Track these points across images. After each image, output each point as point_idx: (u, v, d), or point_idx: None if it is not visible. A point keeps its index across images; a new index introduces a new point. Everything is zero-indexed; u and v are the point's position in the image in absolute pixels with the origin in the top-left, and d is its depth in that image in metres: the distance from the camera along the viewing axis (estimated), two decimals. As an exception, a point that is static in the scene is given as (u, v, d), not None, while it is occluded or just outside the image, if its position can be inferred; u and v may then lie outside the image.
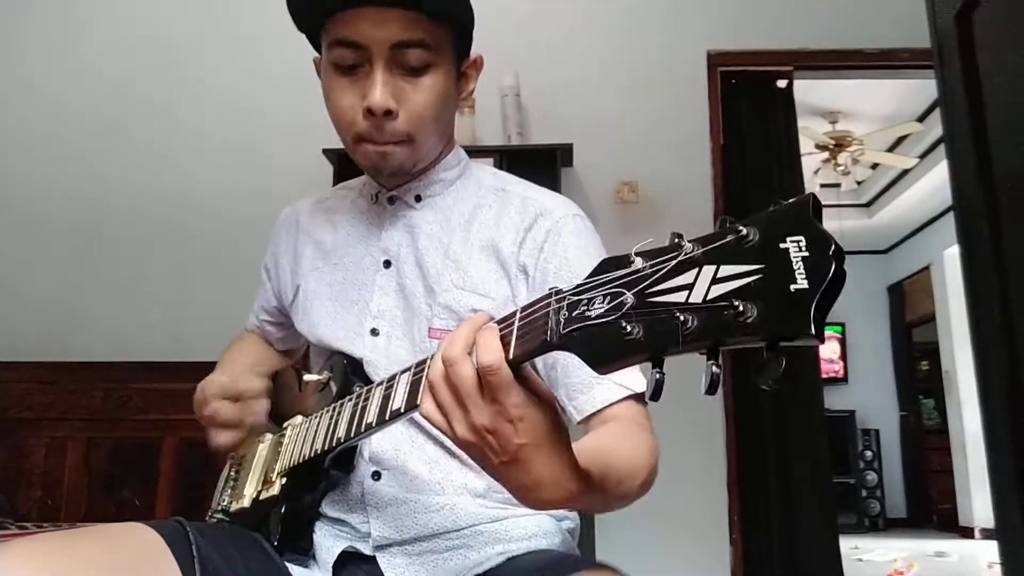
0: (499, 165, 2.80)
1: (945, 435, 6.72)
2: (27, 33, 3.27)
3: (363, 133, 0.95)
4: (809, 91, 4.62)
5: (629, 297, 0.53)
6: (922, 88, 4.68)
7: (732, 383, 2.94)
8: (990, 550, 3.66)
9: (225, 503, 1.03)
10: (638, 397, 0.91)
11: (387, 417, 0.76)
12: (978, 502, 6.18)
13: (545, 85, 3.10)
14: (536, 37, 3.19)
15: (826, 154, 5.57)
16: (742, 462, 2.96)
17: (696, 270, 0.50)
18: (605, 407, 0.90)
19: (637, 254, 0.55)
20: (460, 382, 0.63)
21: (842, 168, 5.62)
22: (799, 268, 0.45)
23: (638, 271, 0.54)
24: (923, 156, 5.73)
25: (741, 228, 0.48)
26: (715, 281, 0.49)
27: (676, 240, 0.53)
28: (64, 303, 3.04)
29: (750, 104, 3.24)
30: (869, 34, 3.14)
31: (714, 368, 0.49)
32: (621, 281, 0.54)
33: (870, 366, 7.81)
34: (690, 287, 0.50)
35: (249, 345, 1.25)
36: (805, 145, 4.46)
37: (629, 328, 0.52)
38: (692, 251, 0.51)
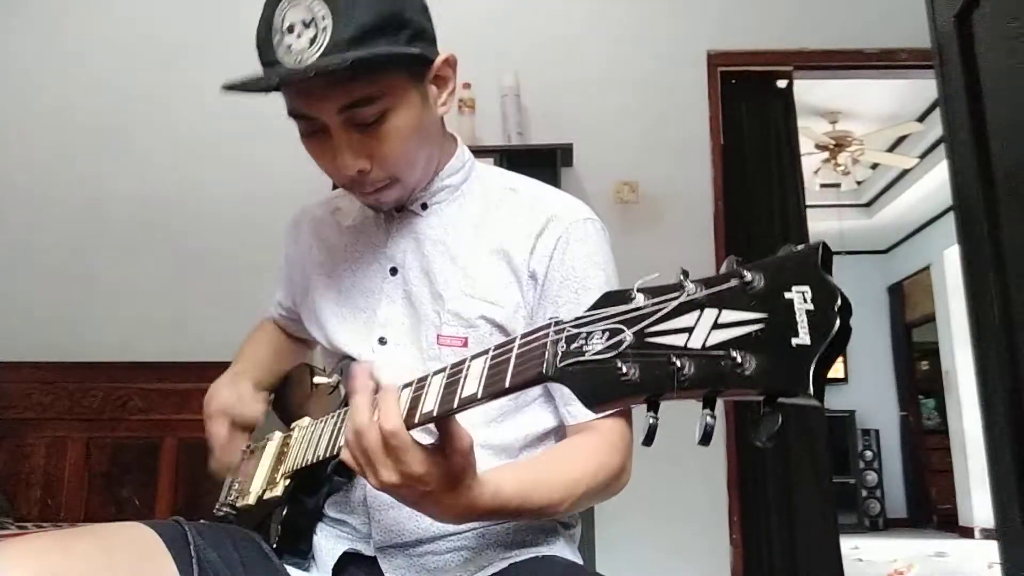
0: (499, 165, 2.80)
1: (945, 435, 6.72)
2: (23, 35, 3.26)
3: (348, 185, 0.96)
4: (809, 91, 4.62)
5: (628, 335, 0.52)
6: (922, 88, 4.68)
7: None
8: (990, 550, 3.66)
9: (232, 498, 1.04)
10: (628, 412, 0.94)
11: None
12: (978, 502, 6.18)
13: (545, 85, 3.10)
14: (536, 37, 3.19)
15: (826, 154, 5.57)
16: (742, 462, 2.96)
17: (698, 313, 0.49)
18: (596, 419, 0.92)
19: (639, 290, 0.54)
20: (368, 446, 0.71)
21: (842, 168, 5.62)
22: (802, 321, 0.44)
23: (639, 308, 0.53)
24: (923, 156, 5.73)
25: (746, 273, 0.47)
26: (716, 327, 0.48)
27: (680, 279, 0.52)
28: (64, 303, 3.04)
29: (750, 104, 3.24)
30: (869, 34, 3.14)
31: (708, 418, 0.48)
32: (621, 318, 0.53)
33: (870, 366, 7.81)
34: (690, 331, 0.49)
35: (267, 336, 1.26)
36: (805, 145, 4.46)
37: (625, 369, 0.51)
38: (695, 292, 0.50)
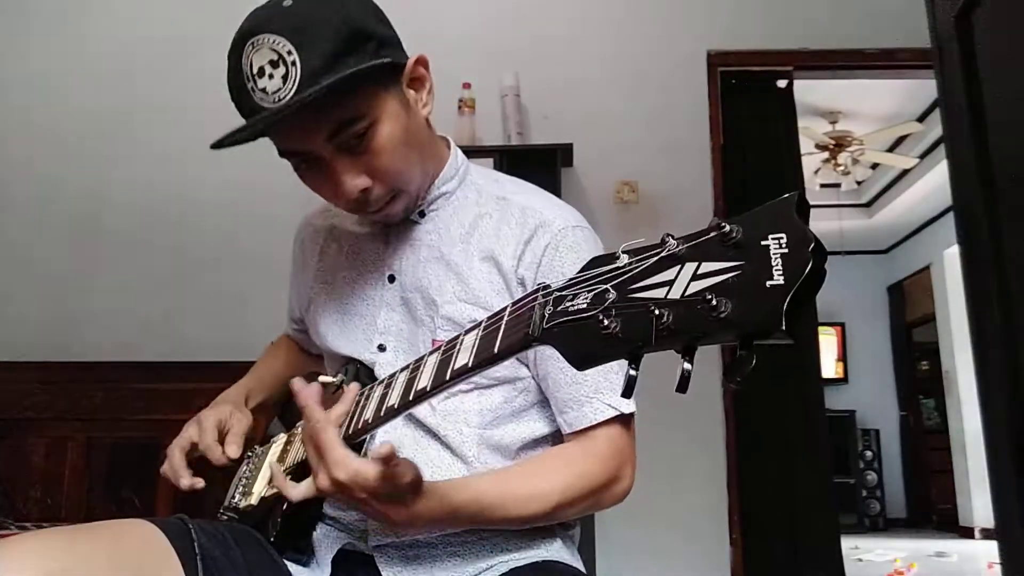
0: (499, 165, 2.80)
1: (945, 435, 6.72)
2: (30, 27, 3.26)
3: (354, 208, 0.96)
4: (809, 91, 4.62)
5: (611, 292, 0.53)
6: (922, 88, 4.68)
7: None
8: (990, 550, 3.66)
9: (236, 501, 1.04)
10: (625, 418, 0.94)
11: (382, 414, 0.78)
12: (978, 502, 6.18)
13: (545, 85, 3.09)
14: (536, 37, 3.19)
15: (826, 154, 5.57)
16: (742, 462, 2.95)
17: (678, 267, 0.50)
18: (591, 427, 0.93)
19: (624, 251, 0.55)
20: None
21: (842, 168, 5.62)
22: (777, 264, 0.45)
23: (622, 267, 0.54)
24: (923, 156, 5.73)
25: (725, 226, 0.49)
26: (695, 278, 0.49)
27: (663, 238, 0.53)
28: (64, 303, 3.04)
29: (750, 104, 3.24)
30: (869, 34, 3.14)
31: (685, 365, 0.49)
32: (605, 277, 0.55)
33: (870, 366, 7.80)
34: (671, 283, 0.50)
35: (281, 351, 1.29)
36: (805, 145, 4.46)
37: (607, 323, 0.52)
38: (676, 248, 0.51)
